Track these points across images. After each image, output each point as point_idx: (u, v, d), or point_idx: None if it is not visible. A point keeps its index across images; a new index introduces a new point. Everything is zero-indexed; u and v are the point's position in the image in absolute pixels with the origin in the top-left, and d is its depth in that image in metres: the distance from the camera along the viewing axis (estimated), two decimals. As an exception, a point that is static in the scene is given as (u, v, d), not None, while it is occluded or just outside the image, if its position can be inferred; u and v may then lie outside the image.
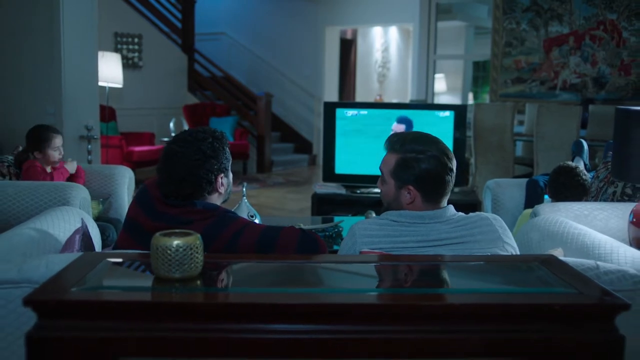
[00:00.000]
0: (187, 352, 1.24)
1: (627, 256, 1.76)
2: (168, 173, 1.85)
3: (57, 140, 3.47)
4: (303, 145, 10.62)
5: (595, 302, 1.26)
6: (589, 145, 5.47)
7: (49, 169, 3.44)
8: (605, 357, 1.24)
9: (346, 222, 3.20)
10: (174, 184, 1.84)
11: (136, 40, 8.69)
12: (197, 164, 1.84)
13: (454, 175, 1.86)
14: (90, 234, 2.06)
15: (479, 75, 12.25)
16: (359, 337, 1.23)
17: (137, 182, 4.02)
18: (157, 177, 1.91)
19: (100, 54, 5.63)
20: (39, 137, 3.43)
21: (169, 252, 1.29)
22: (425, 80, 8.74)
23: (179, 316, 1.23)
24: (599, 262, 1.66)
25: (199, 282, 1.33)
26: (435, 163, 1.81)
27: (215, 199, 1.93)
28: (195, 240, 1.32)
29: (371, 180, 4.32)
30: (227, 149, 1.95)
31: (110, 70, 6.12)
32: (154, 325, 1.21)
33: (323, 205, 4.31)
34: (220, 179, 1.91)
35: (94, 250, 2.03)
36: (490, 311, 1.27)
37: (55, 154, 3.46)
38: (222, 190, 1.93)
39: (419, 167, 1.81)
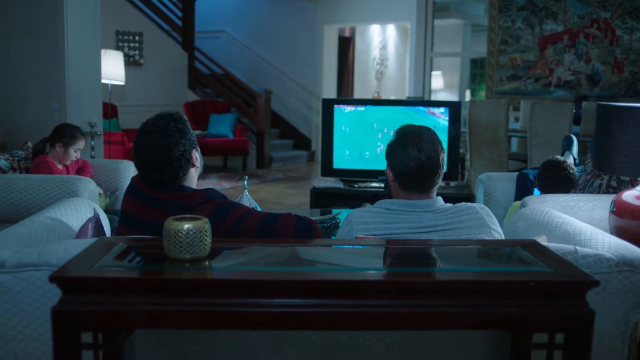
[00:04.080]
0: (197, 324, 1.36)
1: (605, 242, 1.88)
2: (148, 165, 1.95)
3: (81, 143, 3.69)
4: (302, 142, 10.74)
5: (567, 279, 1.38)
6: (583, 141, 5.60)
7: (60, 166, 3.59)
8: (577, 329, 1.37)
9: (343, 215, 3.31)
10: (158, 172, 1.94)
11: (137, 38, 8.80)
12: (170, 148, 1.94)
13: (432, 172, 1.96)
14: (102, 222, 2.19)
15: (477, 72, 12.38)
16: (355, 310, 1.35)
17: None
18: (139, 173, 2.00)
19: (102, 51, 5.74)
20: (69, 133, 3.63)
21: (180, 234, 1.41)
22: (422, 77, 8.86)
23: (189, 292, 1.35)
24: (577, 247, 1.78)
25: (207, 262, 1.45)
26: (408, 160, 1.94)
27: (194, 175, 2.06)
28: (204, 224, 1.44)
29: (368, 174, 4.45)
30: (189, 125, 2.07)
31: (112, 67, 6.23)
32: (167, 301, 1.33)
33: (321, 199, 4.43)
34: (194, 154, 2.03)
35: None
36: (473, 287, 1.39)
37: (74, 154, 3.64)
38: (197, 163, 2.06)
39: (395, 158, 1.97)
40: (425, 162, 1.94)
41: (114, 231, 3.30)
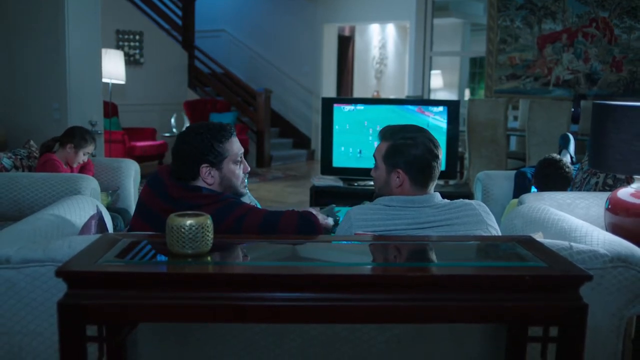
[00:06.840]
0: (199, 317, 1.40)
1: (600, 238, 1.91)
2: (172, 157, 2.10)
3: (91, 147, 3.77)
4: (301, 141, 10.77)
5: (561, 274, 1.41)
6: (581, 140, 5.63)
7: (65, 166, 3.63)
8: (570, 322, 1.40)
9: (342, 213, 3.34)
10: (172, 163, 2.08)
11: (137, 37, 8.82)
12: (181, 149, 2.05)
13: (439, 161, 2.05)
14: (104, 220, 2.22)
15: (476, 71, 12.39)
16: (355, 304, 1.38)
17: (141, 177, 4.18)
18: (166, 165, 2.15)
19: (103, 51, 5.76)
20: (80, 135, 3.68)
21: (182, 230, 1.44)
22: (422, 76, 8.88)
23: (191, 286, 1.38)
24: (572, 243, 1.81)
25: (209, 257, 1.49)
26: (423, 150, 2.01)
27: (215, 188, 2.06)
28: (206, 220, 1.47)
29: (367, 173, 4.41)
30: (220, 145, 2.07)
31: (113, 66, 6.25)
32: (170, 294, 1.36)
33: (321, 198, 4.46)
34: (204, 169, 2.03)
35: (108, 234, 2.18)
36: (470, 282, 1.42)
37: (82, 158, 3.71)
38: (209, 180, 2.04)
39: (409, 153, 2.00)
40: (437, 152, 2.03)
41: (114, 229, 3.34)
